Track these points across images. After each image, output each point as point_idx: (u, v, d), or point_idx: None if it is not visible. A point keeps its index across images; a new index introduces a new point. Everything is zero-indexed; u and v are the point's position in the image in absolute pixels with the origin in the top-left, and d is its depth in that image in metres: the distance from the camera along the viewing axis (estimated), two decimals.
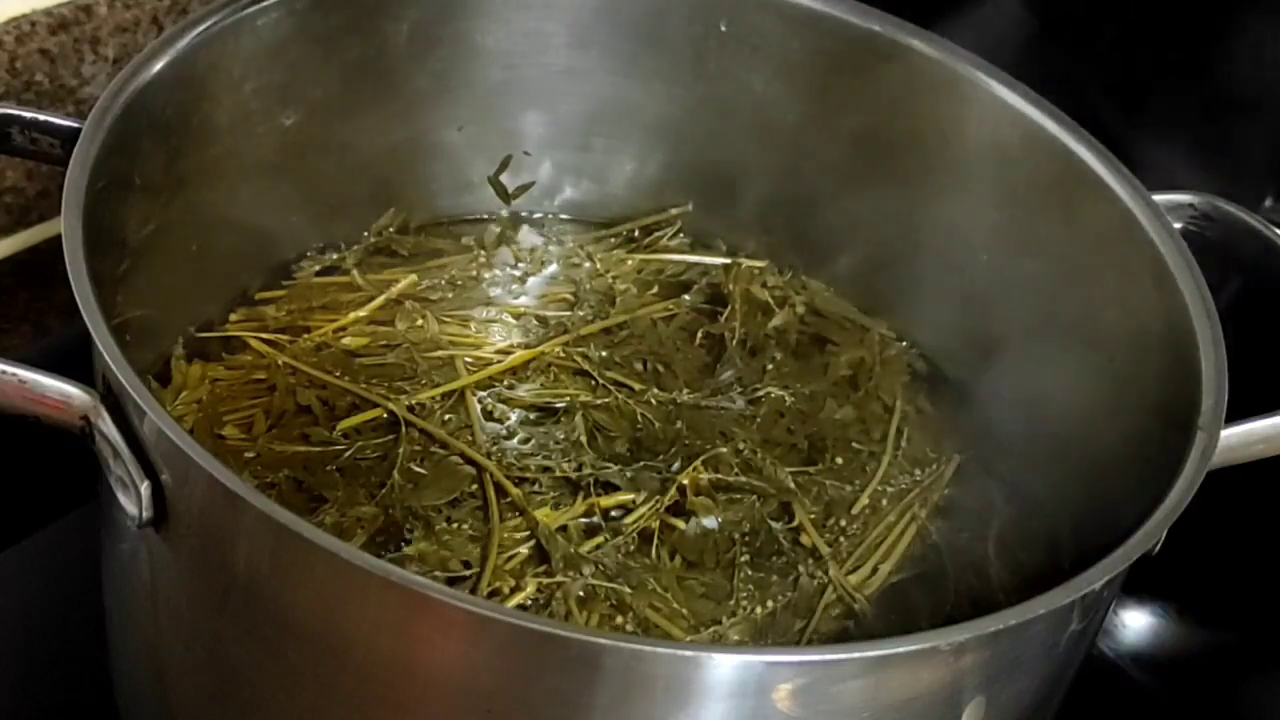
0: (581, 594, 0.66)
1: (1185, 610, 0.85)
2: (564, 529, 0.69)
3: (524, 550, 0.68)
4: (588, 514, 0.70)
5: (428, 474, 0.70)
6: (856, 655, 0.52)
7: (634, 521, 0.69)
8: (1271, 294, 0.73)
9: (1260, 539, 0.86)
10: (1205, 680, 0.83)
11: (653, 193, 0.84)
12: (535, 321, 0.79)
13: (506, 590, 0.66)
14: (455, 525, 0.68)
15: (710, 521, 0.70)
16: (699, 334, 0.79)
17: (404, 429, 0.71)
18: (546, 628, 0.51)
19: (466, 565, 0.67)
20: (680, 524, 0.70)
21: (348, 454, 0.70)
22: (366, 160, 0.80)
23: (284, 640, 0.56)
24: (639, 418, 0.74)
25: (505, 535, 0.68)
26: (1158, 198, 0.71)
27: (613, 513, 0.70)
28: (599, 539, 0.69)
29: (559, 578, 0.66)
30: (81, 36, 0.81)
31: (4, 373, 0.57)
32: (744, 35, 0.79)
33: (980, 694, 0.57)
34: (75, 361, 0.59)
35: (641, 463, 0.72)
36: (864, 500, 0.73)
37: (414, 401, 0.73)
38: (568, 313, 0.80)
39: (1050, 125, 0.74)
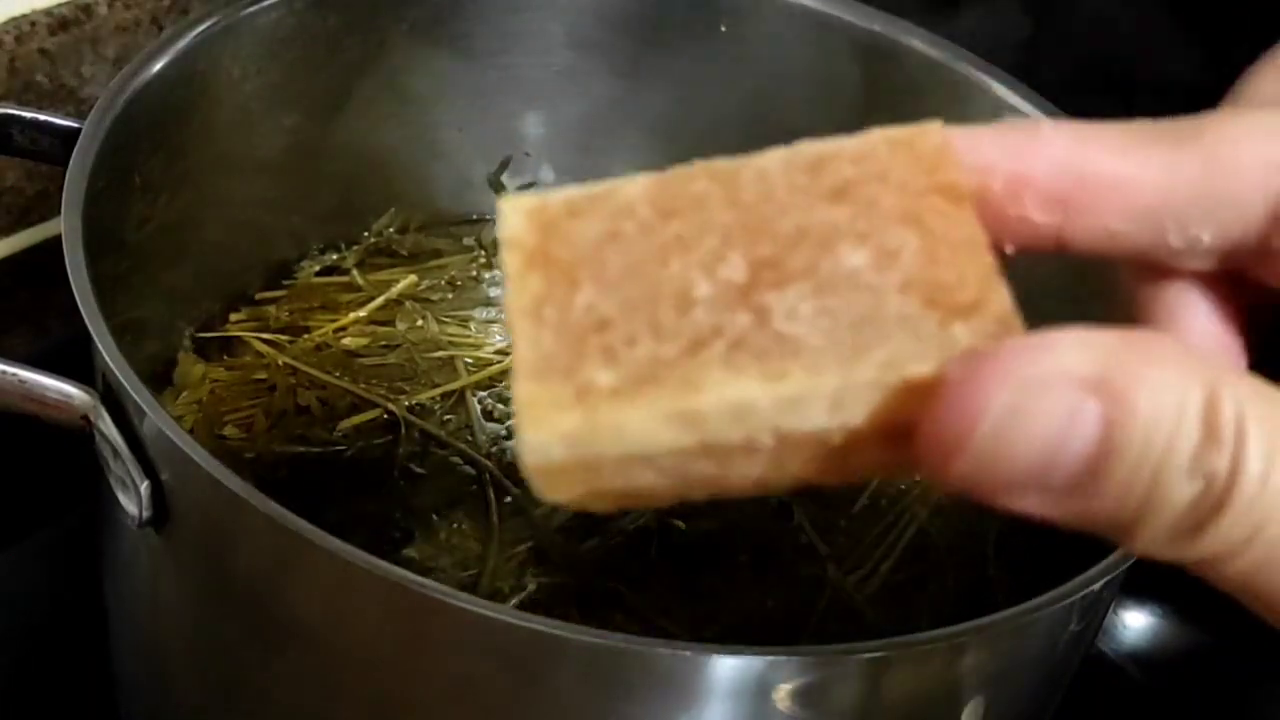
0: (583, 594, 0.66)
1: (1185, 610, 0.85)
2: (564, 529, 0.69)
3: (524, 550, 0.68)
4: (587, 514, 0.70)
5: (428, 474, 0.70)
6: (856, 655, 0.52)
7: (634, 521, 0.69)
8: None
9: None
10: (1205, 680, 0.83)
11: None
12: None
13: (506, 590, 0.66)
14: (455, 525, 0.68)
15: (710, 522, 0.70)
16: None
17: (404, 429, 0.71)
18: (546, 628, 0.51)
19: (466, 566, 0.67)
20: (680, 524, 0.70)
21: (348, 454, 0.70)
22: (366, 160, 0.80)
23: (284, 640, 0.56)
24: None
25: (505, 535, 0.68)
26: None
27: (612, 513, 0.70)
28: (599, 539, 0.69)
29: (559, 578, 0.66)
30: (81, 36, 0.81)
31: (4, 373, 0.57)
32: (744, 35, 0.79)
33: (980, 694, 0.57)
34: (75, 361, 0.59)
35: None
36: (864, 500, 0.73)
37: (414, 402, 0.73)
38: None
39: None
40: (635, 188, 0.35)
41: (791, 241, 0.33)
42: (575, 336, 0.32)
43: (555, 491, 0.33)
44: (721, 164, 0.35)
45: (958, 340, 0.31)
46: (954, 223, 0.33)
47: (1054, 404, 0.29)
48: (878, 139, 0.35)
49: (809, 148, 0.35)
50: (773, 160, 0.35)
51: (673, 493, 0.33)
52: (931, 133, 0.34)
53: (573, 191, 0.35)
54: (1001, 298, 0.32)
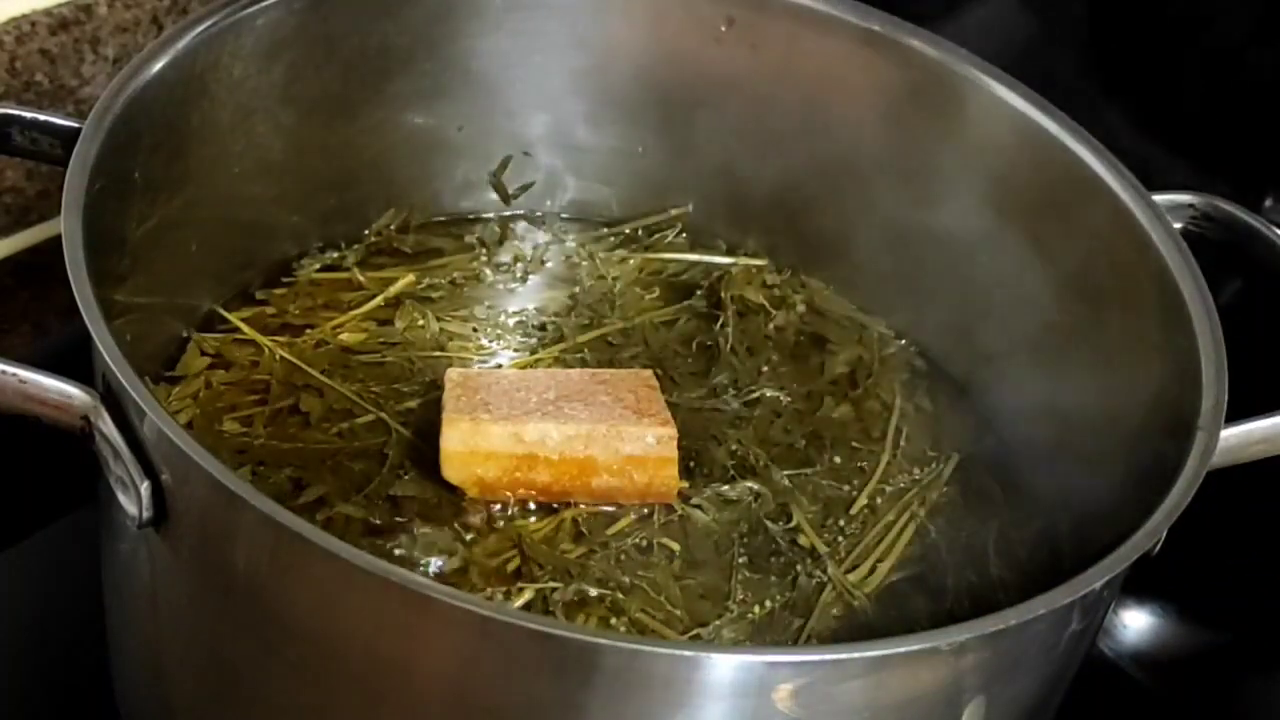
0: (575, 599, 0.66)
1: (1185, 610, 0.85)
2: (548, 540, 0.68)
3: (515, 554, 0.67)
4: (580, 516, 0.70)
5: (423, 475, 0.70)
6: (856, 655, 0.52)
7: (630, 524, 0.69)
8: (1271, 294, 0.73)
9: (1260, 539, 0.86)
10: (1205, 680, 0.83)
11: (653, 193, 0.84)
12: (535, 323, 0.79)
13: (497, 596, 0.66)
14: (449, 527, 0.68)
15: (708, 522, 0.70)
16: (695, 340, 0.79)
17: (395, 433, 0.71)
18: (546, 628, 0.51)
19: (460, 568, 0.67)
20: (674, 545, 0.69)
21: (345, 454, 0.70)
22: (366, 160, 0.80)
23: (284, 640, 0.56)
24: None
25: (496, 541, 0.68)
26: (1158, 198, 0.71)
27: (607, 514, 0.70)
28: (593, 544, 0.69)
29: (550, 583, 0.66)
30: (81, 36, 0.81)
31: (4, 373, 0.57)
32: (744, 35, 0.79)
33: (980, 694, 0.57)
34: (75, 361, 0.59)
35: None
36: (862, 500, 0.73)
37: (410, 405, 0.73)
38: (567, 315, 0.80)
39: (1050, 125, 0.74)
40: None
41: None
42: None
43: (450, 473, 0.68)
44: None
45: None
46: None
47: None
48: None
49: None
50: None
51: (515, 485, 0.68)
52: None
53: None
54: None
